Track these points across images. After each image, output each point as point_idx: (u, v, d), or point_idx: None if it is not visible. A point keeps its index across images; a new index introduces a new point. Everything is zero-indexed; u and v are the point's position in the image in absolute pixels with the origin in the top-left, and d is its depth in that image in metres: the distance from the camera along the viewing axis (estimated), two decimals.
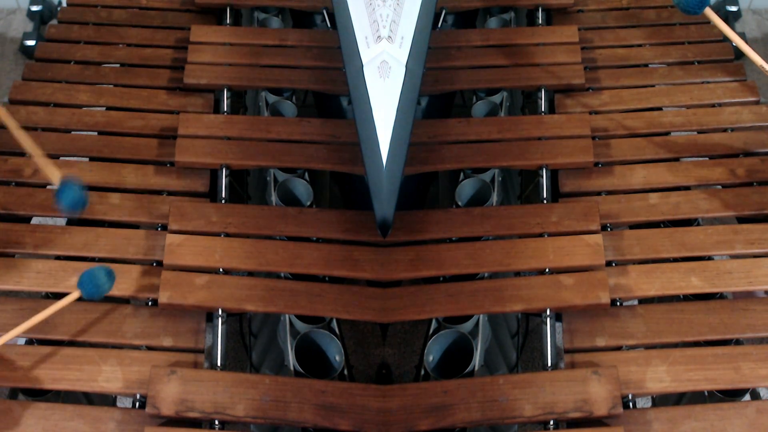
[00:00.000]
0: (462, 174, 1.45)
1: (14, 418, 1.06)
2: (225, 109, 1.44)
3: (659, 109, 1.44)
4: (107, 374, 1.10)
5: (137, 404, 1.09)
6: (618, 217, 1.28)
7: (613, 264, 1.22)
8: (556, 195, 1.33)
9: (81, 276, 1.08)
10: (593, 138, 1.37)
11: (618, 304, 1.18)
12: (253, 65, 1.49)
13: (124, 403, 1.15)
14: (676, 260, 1.23)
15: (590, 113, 1.42)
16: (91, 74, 1.51)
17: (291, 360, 1.22)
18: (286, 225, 1.26)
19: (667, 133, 1.41)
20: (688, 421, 1.06)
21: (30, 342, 1.17)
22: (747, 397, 1.19)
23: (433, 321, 1.27)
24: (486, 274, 1.25)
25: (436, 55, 1.49)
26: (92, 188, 1.32)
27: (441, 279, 1.22)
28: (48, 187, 1.30)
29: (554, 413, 1.05)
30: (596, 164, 1.35)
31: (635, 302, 1.20)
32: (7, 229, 1.24)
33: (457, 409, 1.06)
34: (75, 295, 1.08)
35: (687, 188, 1.32)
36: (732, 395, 1.15)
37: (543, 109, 1.45)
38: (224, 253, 1.21)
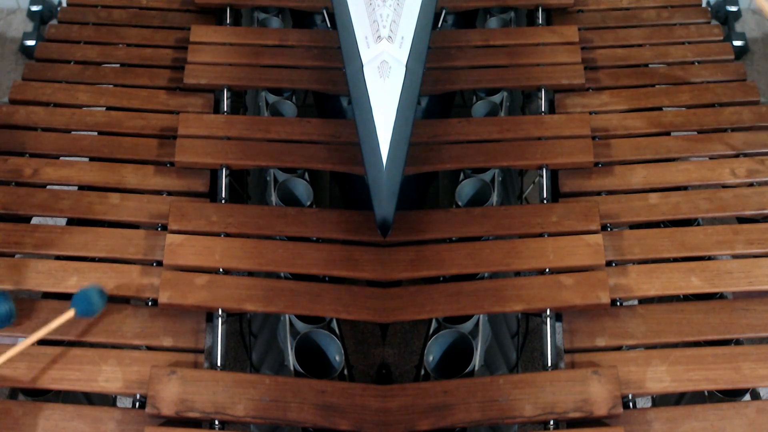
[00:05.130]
0: (462, 174, 1.45)
1: (14, 418, 1.05)
2: (225, 109, 1.44)
3: (659, 109, 1.44)
4: (107, 374, 1.10)
5: (137, 404, 1.09)
6: (618, 217, 1.28)
7: (613, 264, 1.22)
8: (556, 195, 1.33)
9: (74, 296, 1.12)
10: (593, 138, 1.37)
11: (618, 304, 1.18)
12: (253, 65, 1.49)
13: (124, 403, 1.15)
14: (676, 260, 1.23)
15: (590, 113, 1.42)
16: (91, 74, 1.51)
17: (291, 360, 1.22)
18: (286, 225, 1.26)
19: (667, 133, 1.41)
20: (688, 421, 1.06)
21: None
22: (747, 397, 1.19)
23: (433, 321, 1.27)
24: (486, 274, 1.25)
25: (436, 55, 1.49)
26: (92, 188, 1.32)
27: (441, 279, 1.22)
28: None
29: (554, 413, 1.05)
30: (596, 164, 1.35)
31: (635, 302, 1.20)
32: (7, 229, 1.24)
33: (457, 409, 1.06)
34: (70, 313, 1.10)
35: (687, 188, 1.32)
36: (732, 395, 1.15)
37: (543, 109, 1.45)
38: (224, 253, 1.21)
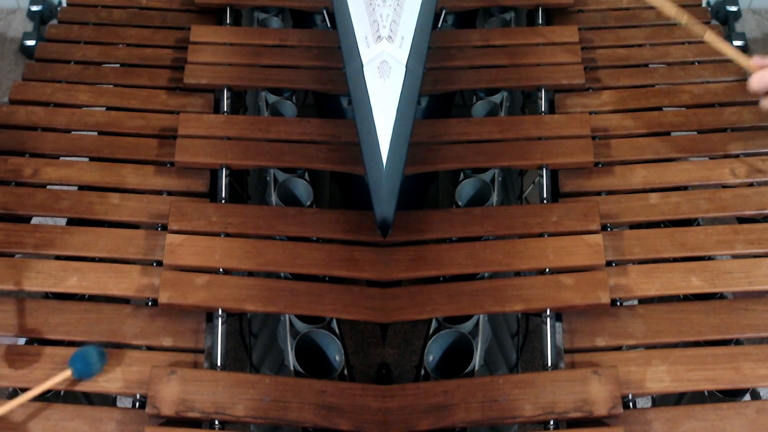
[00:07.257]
0: (462, 174, 1.45)
1: (14, 418, 1.06)
2: (225, 109, 1.44)
3: (659, 109, 1.44)
4: (107, 374, 1.10)
5: (137, 404, 1.09)
6: (618, 217, 1.28)
7: (613, 264, 1.22)
8: (556, 195, 1.33)
9: (73, 355, 1.08)
10: (593, 138, 1.37)
11: (618, 304, 1.18)
12: (253, 65, 1.49)
13: (124, 403, 1.15)
14: (676, 260, 1.23)
15: (590, 113, 1.42)
16: (91, 74, 1.51)
17: (291, 360, 1.22)
18: (286, 225, 1.26)
19: (667, 133, 1.41)
20: (688, 421, 1.06)
21: (30, 342, 1.17)
22: (747, 397, 1.19)
23: (433, 321, 1.27)
24: (486, 274, 1.25)
25: (436, 55, 1.49)
26: (92, 188, 1.32)
27: (441, 279, 1.22)
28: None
29: (554, 413, 1.05)
30: (596, 164, 1.35)
31: (635, 302, 1.20)
32: (7, 229, 1.24)
33: (457, 409, 1.06)
34: (67, 373, 1.07)
35: (687, 188, 1.32)
36: (732, 395, 1.15)
37: (543, 109, 1.45)
38: (224, 253, 1.21)
